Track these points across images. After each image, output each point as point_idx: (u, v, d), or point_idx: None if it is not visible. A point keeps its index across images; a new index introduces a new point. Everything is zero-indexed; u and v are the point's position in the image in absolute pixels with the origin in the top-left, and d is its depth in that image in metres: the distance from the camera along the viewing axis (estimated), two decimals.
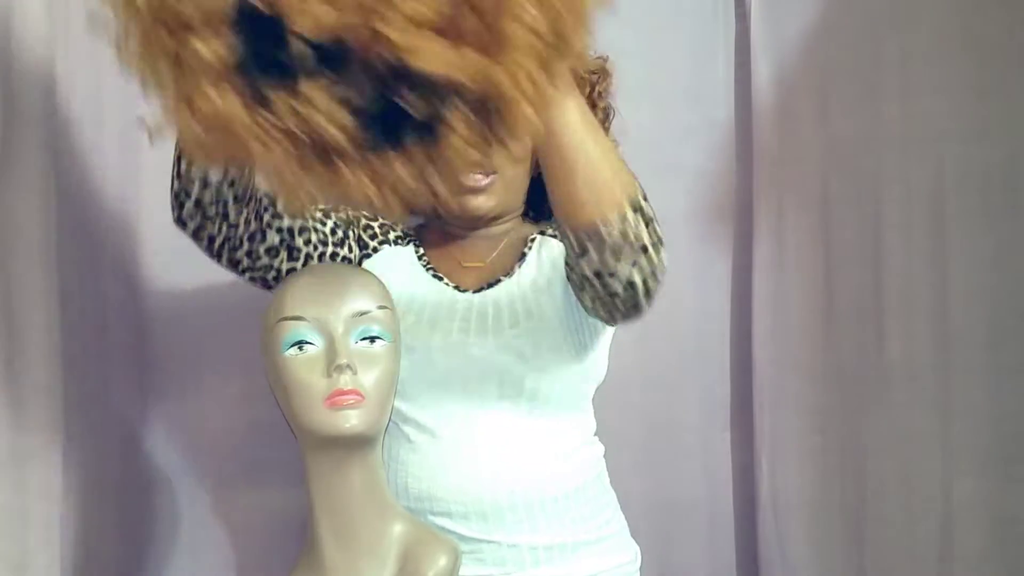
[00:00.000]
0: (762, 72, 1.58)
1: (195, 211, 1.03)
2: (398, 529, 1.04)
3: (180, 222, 1.05)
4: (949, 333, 1.48)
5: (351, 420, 0.97)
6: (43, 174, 1.01)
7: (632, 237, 0.98)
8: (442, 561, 1.03)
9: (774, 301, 1.59)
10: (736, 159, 1.62)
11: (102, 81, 1.29)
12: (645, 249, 0.99)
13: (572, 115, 0.94)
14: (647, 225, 0.99)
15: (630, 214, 0.97)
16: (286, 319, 1.00)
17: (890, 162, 1.52)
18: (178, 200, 1.03)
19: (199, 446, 1.43)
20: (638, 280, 1.00)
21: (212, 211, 1.03)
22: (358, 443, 1.00)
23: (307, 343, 0.99)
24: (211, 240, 1.07)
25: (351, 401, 0.98)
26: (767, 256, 1.59)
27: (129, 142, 1.34)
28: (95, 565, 1.26)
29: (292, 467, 1.07)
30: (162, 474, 1.43)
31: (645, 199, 1.00)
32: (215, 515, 1.45)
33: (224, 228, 1.05)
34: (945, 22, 1.47)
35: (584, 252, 0.99)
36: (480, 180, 1.17)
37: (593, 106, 1.17)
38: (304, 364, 0.99)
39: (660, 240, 1.01)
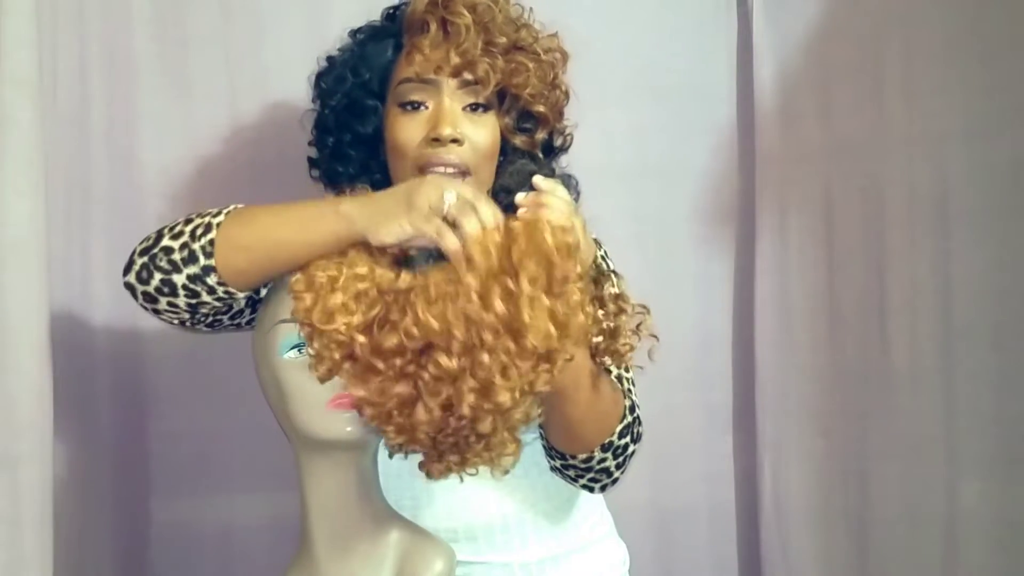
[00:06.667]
0: (765, 72, 1.57)
1: (168, 301, 0.96)
2: (394, 534, 1.03)
3: (145, 297, 0.97)
4: (953, 335, 1.47)
5: (353, 423, 0.96)
6: (32, 175, 1.00)
7: (596, 465, 1.06)
8: (438, 566, 1.02)
9: (776, 303, 1.58)
10: (738, 159, 1.61)
11: (89, 81, 1.28)
12: (609, 473, 1.07)
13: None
14: (616, 456, 1.06)
15: (598, 453, 1.05)
16: (285, 322, 0.98)
17: (893, 162, 1.52)
18: (150, 278, 0.95)
19: (194, 448, 1.42)
20: (595, 486, 1.09)
21: (185, 304, 0.97)
22: (356, 446, 0.99)
23: (306, 346, 0.98)
24: (162, 315, 1.00)
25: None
26: (769, 257, 1.58)
27: (117, 143, 1.33)
28: (90, 569, 1.25)
29: (287, 470, 1.06)
30: (157, 476, 1.42)
31: (623, 433, 1.06)
32: (210, 518, 1.44)
33: (190, 316, 0.99)
34: (948, 21, 1.47)
35: (553, 458, 1.09)
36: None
37: (555, 87, 1.15)
38: (303, 367, 0.97)
39: (628, 460, 1.08)
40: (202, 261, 0.94)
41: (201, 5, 1.39)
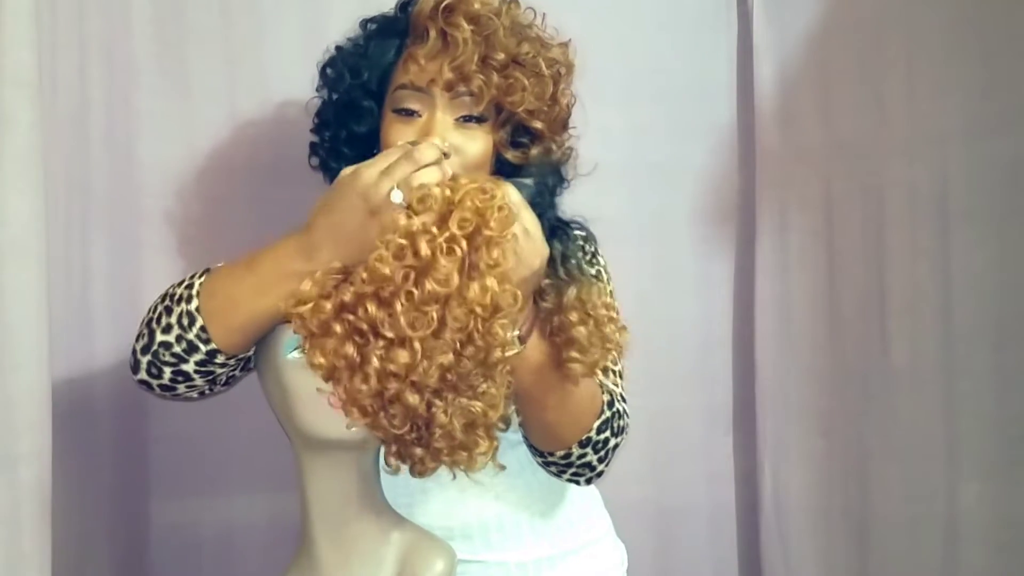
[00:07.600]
0: (764, 72, 1.57)
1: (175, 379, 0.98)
2: (394, 533, 1.03)
3: (162, 388, 1.00)
4: (953, 335, 1.47)
5: (356, 423, 0.96)
6: (32, 175, 1.00)
7: (575, 460, 1.06)
8: (438, 566, 1.02)
9: (777, 303, 1.58)
10: (738, 160, 1.61)
11: (89, 81, 1.28)
12: (592, 467, 1.07)
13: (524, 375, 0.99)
14: (597, 451, 1.06)
15: (576, 449, 1.05)
16: (286, 322, 0.98)
17: (893, 162, 1.52)
18: (156, 366, 0.98)
19: (194, 449, 1.41)
20: (580, 480, 1.09)
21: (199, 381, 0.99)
22: (357, 446, 0.99)
23: None
24: (182, 397, 1.03)
25: None
26: (770, 258, 1.58)
27: (117, 143, 1.33)
28: (89, 569, 1.25)
29: (287, 470, 1.06)
30: (157, 477, 1.42)
31: (602, 429, 1.05)
32: (210, 519, 1.43)
33: (209, 386, 1.02)
34: (948, 22, 1.47)
35: (534, 454, 1.10)
36: None
37: (555, 102, 1.12)
38: (306, 367, 0.97)
39: (611, 452, 1.07)
40: (203, 348, 0.96)
41: (201, 5, 1.38)
